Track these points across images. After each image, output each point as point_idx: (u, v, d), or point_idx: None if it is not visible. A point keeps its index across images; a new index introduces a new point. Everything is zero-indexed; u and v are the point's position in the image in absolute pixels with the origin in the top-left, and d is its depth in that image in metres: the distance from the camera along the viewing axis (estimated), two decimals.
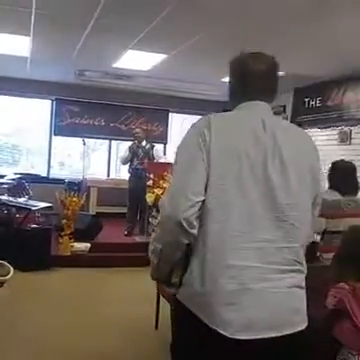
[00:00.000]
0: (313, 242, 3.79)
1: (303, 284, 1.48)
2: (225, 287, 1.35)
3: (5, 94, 8.34)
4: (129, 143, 7.28)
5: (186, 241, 1.40)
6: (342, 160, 3.94)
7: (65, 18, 4.65)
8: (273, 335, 1.36)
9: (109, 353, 3.39)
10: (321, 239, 3.68)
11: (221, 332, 1.33)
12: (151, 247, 1.50)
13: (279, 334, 1.36)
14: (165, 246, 1.45)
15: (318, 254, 3.59)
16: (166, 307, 3.63)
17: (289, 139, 1.50)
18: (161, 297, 3.79)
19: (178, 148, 1.50)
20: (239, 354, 1.34)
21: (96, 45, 5.65)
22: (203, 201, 1.38)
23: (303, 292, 1.47)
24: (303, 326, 1.43)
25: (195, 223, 1.38)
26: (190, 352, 1.43)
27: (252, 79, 1.56)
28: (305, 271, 1.49)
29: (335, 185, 3.67)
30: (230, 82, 1.64)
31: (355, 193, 3.63)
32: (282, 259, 1.41)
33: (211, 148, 1.40)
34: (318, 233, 3.69)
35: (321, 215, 3.60)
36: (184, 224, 1.35)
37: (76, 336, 3.61)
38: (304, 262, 1.49)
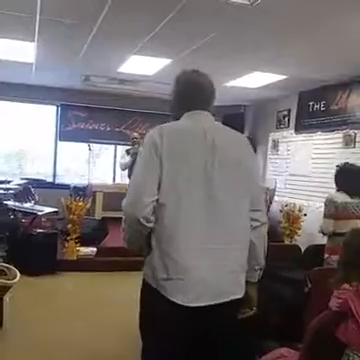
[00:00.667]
0: (320, 245, 3.80)
1: (244, 261, 1.83)
2: (180, 267, 1.69)
3: (10, 100, 8.41)
4: (127, 147, 7.29)
5: (146, 232, 1.75)
6: (348, 163, 3.94)
7: (69, 24, 4.69)
8: (219, 302, 1.72)
9: (115, 356, 3.39)
10: (328, 240, 3.68)
11: (175, 300, 1.68)
12: (122, 235, 1.86)
13: (224, 300, 1.74)
14: (130, 235, 1.83)
15: (326, 256, 3.58)
16: None
17: (226, 142, 1.83)
18: None
19: (139, 156, 1.84)
20: (193, 318, 1.70)
21: (101, 50, 5.68)
22: (158, 199, 1.71)
23: (243, 268, 1.83)
24: (242, 294, 1.81)
25: (151, 218, 1.71)
26: (155, 321, 1.76)
27: (195, 92, 1.88)
28: (246, 249, 1.83)
29: (343, 187, 3.67)
30: (176, 94, 1.93)
31: None
32: (226, 241, 1.76)
33: (163, 154, 1.71)
34: (324, 234, 3.69)
35: (329, 216, 3.63)
36: (142, 221, 1.69)
37: (83, 340, 3.62)
38: (246, 241, 1.83)
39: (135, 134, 7.34)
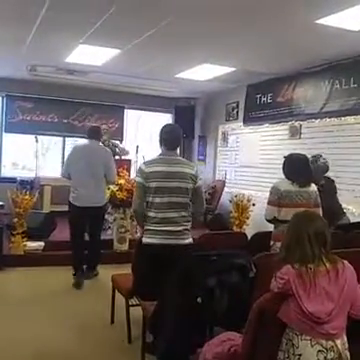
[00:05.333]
0: (265, 232, 3.87)
1: (102, 193, 5.19)
2: (78, 191, 5.03)
3: None
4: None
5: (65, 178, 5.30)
6: (296, 153, 4.07)
7: (13, 10, 4.52)
8: (92, 205, 5.03)
9: (65, 349, 3.35)
10: (274, 228, 3.78)
11: (76, 204, 5.05)
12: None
13: (94, 205, 5.06)
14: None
15: (271, 243, 3.68)
16: (121, 302, 3.63)
17: (95, 151, 5.21)
18: (116, 292, 3.77)
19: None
20: (81, 211, 5.04)
21: (47, 39, 5.51)
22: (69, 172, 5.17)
23: (101, 195, 5.17)
24: (102, 204, 5.22)
25: (67, 177, 5.17)
26: (71, 212, 5.14)
27: (91, 133, 5.30)
28: (102, 188, 5.19)
29: (288, 176, 3.78)
30: (87, 132, 5.39)
31: (308, 184, 3.75)
32: (94, 186, 5.03)
33: (70, 158, 5.23)
34: (268, 220, 3.80)
35: (272, 204, 3.71)
36: (64, 175, 5.23)
37: (31, 333, 3.57)
38: (102, 187, 5.21)
39: (104, 126, 7.53)
